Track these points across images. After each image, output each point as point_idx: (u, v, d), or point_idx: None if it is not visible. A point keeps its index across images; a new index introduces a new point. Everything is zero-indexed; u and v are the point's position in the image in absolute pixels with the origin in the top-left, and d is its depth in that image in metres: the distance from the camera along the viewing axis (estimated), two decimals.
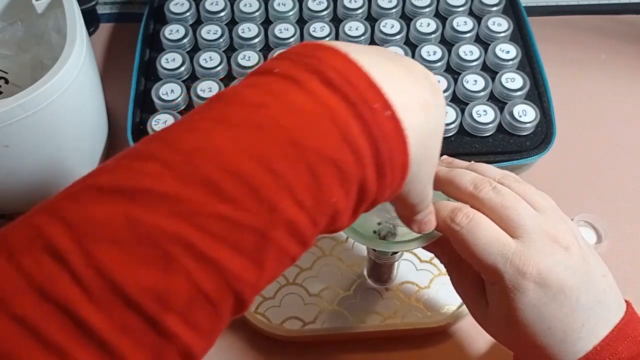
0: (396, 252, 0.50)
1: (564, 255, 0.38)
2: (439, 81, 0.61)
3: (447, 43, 0.65)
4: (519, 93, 0.61)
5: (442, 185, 0.42)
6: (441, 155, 0.59)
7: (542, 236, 0.38)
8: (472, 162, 0.44)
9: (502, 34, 0.65)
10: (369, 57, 0.30)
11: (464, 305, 0.53)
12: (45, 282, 0.24)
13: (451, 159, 0.45)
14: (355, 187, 0.29)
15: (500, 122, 0.60)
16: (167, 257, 0.25)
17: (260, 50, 0.65)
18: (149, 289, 0.25)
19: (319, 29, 0.65)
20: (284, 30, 0.65)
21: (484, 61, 0.64)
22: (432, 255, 0.56)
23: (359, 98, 0.28)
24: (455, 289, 0.44)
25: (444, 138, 0.59)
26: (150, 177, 0.26)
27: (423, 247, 0.44)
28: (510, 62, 0.63)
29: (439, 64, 0.63)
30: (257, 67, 0.31)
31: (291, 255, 0.28)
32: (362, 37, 0.65)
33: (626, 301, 0.41)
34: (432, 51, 0.63)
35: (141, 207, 0.25)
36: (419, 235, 0.42)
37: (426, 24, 0.66)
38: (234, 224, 0.26)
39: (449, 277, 0.45)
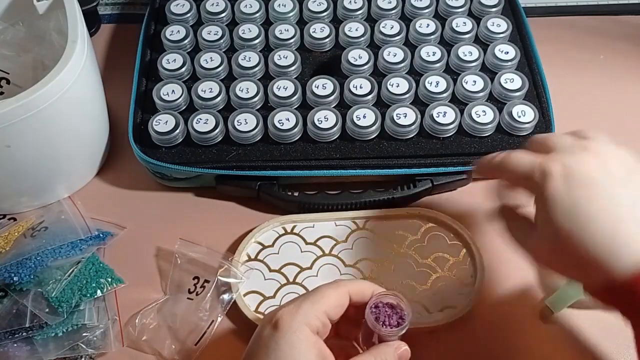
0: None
1: (595, 157, 0.42)
2: (437, 82, 0.62)
3: (447, 44, 0.66)
4: (518, 93, 0.62)
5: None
6: (438, 155, 0.60)
7: (572, 145, 0.43)
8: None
9: (501, 35, 0.66)
10: None
11: (463, 305, 0.54)
12: None
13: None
14: None
15: (499, 123, 0.60)
16: None
17: (260, 51, 0.65)
18: None
19: (319, 29, 0.66)
20: (284, 31, 0.66)
21: (483, 62, 0.64)
22: (431, 255, 0.57)
23: None
24: (507, 231, 0.47)
25: (443, 138, 0.60)
26: None
27: None
28: (510, 63, 0.63)
29: (438, 64, 0.63)
30: None
31: None
32: (362, 38, 0.65)
33: None
34: (431, 52, 0.64)
35: None
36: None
37: (425, 25, 0.66)
38: None
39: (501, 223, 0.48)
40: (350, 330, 0.46)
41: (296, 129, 0.59)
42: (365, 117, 0.59)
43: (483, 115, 0.60)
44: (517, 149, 0.46)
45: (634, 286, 0.38)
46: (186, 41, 0.65)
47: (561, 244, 0.40)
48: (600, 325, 0.54)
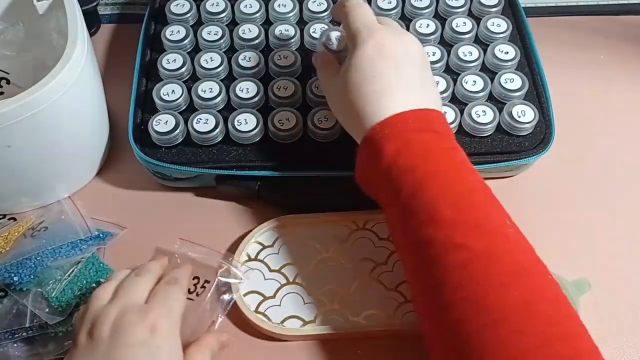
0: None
1: (404, 39, 0.52)
2: (437, 82, 0.62)
3: (447, 44, 0.66)
4: (518, 93, 0.62)
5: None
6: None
7: (397, 26, 0.55)
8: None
9: (501, 35, 0.66)
10: None
11: None
12: None
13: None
14: None
15: (499, 123, 0.60)
16: None
17: (260, 51, 0.65)
18: None
19: (319, 30, 0.66)
20: (285, 32, 0.66)
21: (483, 62, 0.64)
22: None
23: None
24: (320, 70, 0.57)
25: None
26: None
27: None
28: (510, 63, 0.63)
29: (438, 64, 0.63)
30: None
31: None
32: None
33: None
34: (431, 52, 0.64)
35: None
36: None
37: (425, 25, 0.66)
38: None
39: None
40: None
41: (296, 129, 0.59)
42: None
43: (483, 115, 0.60)
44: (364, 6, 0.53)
45: (374, 135, 0.48)
46: (186, 41, 0.65)
47: (347, 93, 0.50)
48: (597, 334, 0.54)
